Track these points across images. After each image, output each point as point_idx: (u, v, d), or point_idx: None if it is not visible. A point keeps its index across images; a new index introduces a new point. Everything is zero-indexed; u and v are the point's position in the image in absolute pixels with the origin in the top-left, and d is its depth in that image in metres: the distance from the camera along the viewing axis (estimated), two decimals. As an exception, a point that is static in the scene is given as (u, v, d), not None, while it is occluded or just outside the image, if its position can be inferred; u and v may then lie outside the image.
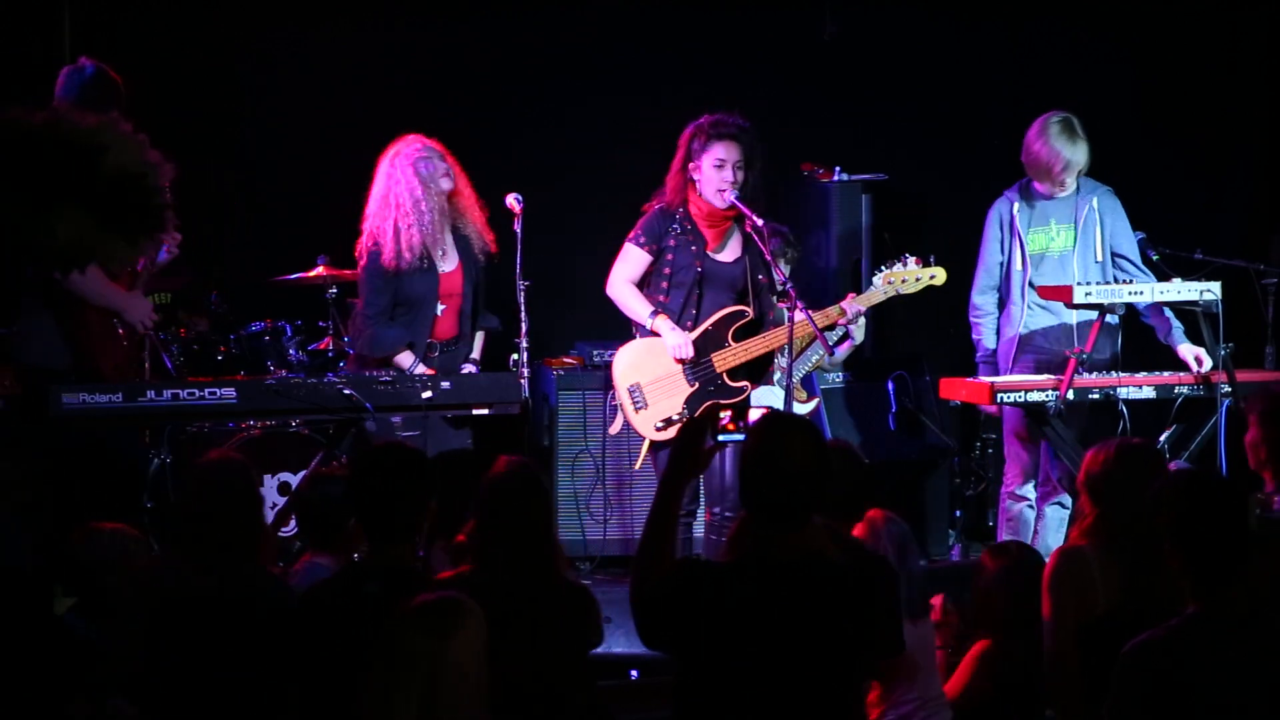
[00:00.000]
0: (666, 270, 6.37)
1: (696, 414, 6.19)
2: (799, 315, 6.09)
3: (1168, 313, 6.82)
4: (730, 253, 6.44)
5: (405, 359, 6.44)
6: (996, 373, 6.90)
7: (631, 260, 6.40)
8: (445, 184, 6.47)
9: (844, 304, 6.43)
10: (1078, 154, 6.75)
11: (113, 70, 6.10)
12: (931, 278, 6.51)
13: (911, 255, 6.54)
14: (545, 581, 4.24)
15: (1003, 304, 6.96)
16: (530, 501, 4.28)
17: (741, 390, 6.34)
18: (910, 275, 6.47)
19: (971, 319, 7.00)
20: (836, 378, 7.72)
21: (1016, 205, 6.88)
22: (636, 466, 6.58)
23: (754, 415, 4.04)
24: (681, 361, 6.28)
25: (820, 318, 6.33)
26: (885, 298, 6.51)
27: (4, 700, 4.05)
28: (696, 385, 6.31)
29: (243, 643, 4.32)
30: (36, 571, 5.00)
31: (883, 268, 6.55)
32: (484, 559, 4.22)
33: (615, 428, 6.56)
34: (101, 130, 3.72)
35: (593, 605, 4.34)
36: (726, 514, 6.31)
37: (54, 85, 6.15)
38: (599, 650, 4.49)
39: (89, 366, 6.01)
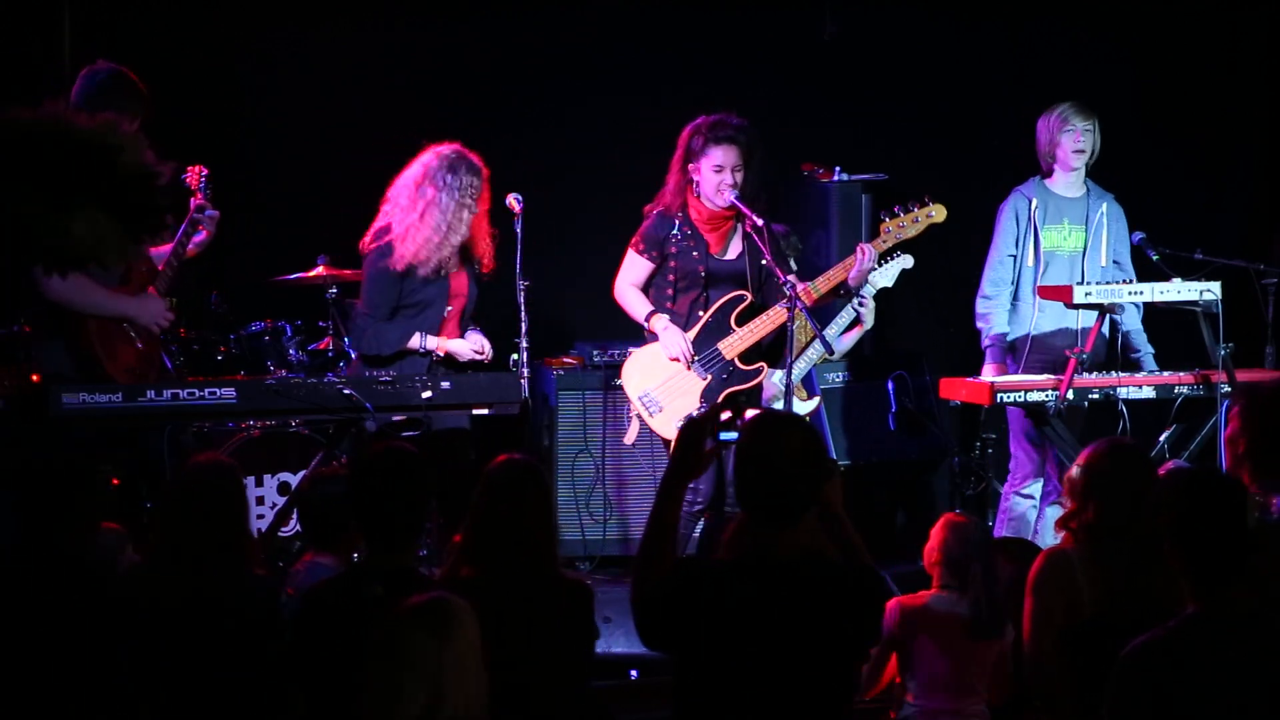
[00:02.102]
0: (671, 276, 6.38)
1: (697, 414, 6.21)
2: (799, 313, 6.10)
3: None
4: (733, 251, 6.45)
5: (414, 340, 6.38)
6: (1007, 358, 6.91)
7: (635, 267, 6.43)
8: (472, 210, 6.40)
9: (848, 260, 6.39)
10: (1091, 123, 6.88)
11: (132, 73, 6.10)
12: (930, 216, 6.46)
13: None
14: (541, 579, 4.21)
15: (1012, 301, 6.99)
16: (525, 498, 4.24)
17: (758, 371, 6.35)
18: (908, 219, 6.44)
19: (979, 310, 7.01)
20: (837, 377, 7.72)
21: (1035, 202, 6.90)
22: None
23: (750, 414, 4.04)
24: (679, 360, 6.28)
25: (822, 282, 6.33)
26: (885, 246, 6.45)
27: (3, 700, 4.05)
28: (709, 377, 6.31)
29: (232, 645, 4.30)
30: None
31: (882, 215, 6.50)
32: (479, 556, 4.20)
33: (630, 437, 6.57)
34: (109, 129, 3.74)
35: (589, 600, 4.31)
36: (697, 505, 6.31)
37: (55, 85, 6.14)
38: (599, 650, 4.48)
39: (96, 373, 5.98)
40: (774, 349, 6.51)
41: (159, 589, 4.39)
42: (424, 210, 6.29)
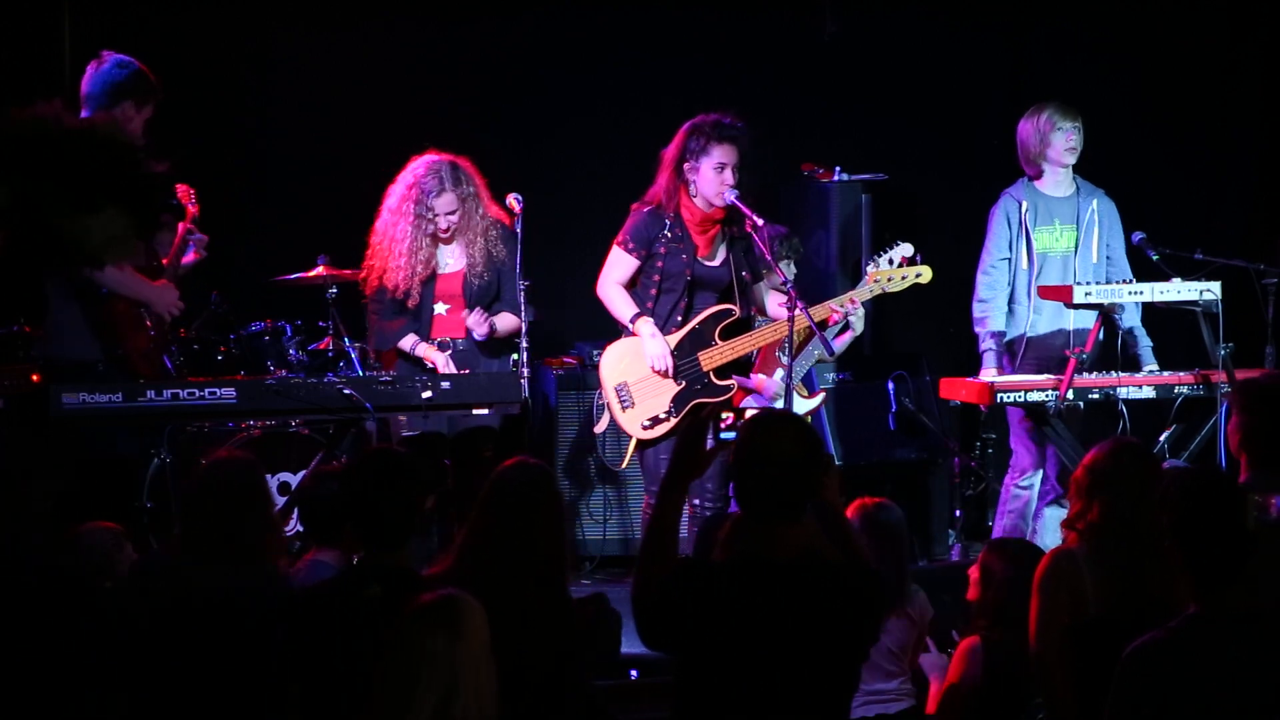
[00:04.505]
0: (656, 276, 6.33)
1: (687, 413, 6.20)
2: (799, 314, 6.08)
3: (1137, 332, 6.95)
4: (718, 258, 6.41)
5: (407, 341, 6.53)
6: (1004, 359, 6.91)
7: (620, 264, 6.36)
8: (442, 221, 6.47)
9: (831, 303, 6.42)
10: (1079, 122, 6.88)
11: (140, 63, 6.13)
12: (918, 276, 6.47)
13: (905, 242, 6.51)
14: (538, 592, 4.15)
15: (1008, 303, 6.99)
16: (535, 505, 4.19)
17: (728, 389, 6.33)
18: (896, 274, 6.46)
19: (976, 315, 7.00)
20: (837, 377, 7.72)
21: (1025, 204, 6.91)
22: (623, 465, 6.54)
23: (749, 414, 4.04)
24: (659, 372, 6.26)
25: (813, 312, 6.33)
26: (871, 296, 6.49)
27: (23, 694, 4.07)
28: (683, 384, 6.30)
29: (252, 640, 4.31)
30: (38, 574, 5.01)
31: (874, 259, 6.53)
32: (479, 560, 4.18)
33: (601, 426, 6.54)
34: (116, 129, 3.78)
35: (598, 618, 4.27)
36: (707, 506, 6.29)
37: (56, 85, 6.15)
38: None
39: (119, 356, 6.05)
40: (745, 367, 6.53)
41: (165, 585, 4.40)
42: (391, 238, 6.50)
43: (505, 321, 6.59)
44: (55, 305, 6.07)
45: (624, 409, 6.29)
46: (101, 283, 5.96)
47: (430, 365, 6.51)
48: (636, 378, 6.29)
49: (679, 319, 6.33)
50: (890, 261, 6.45)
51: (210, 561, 4.43)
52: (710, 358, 6.30)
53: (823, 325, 6.54)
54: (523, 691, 3.98)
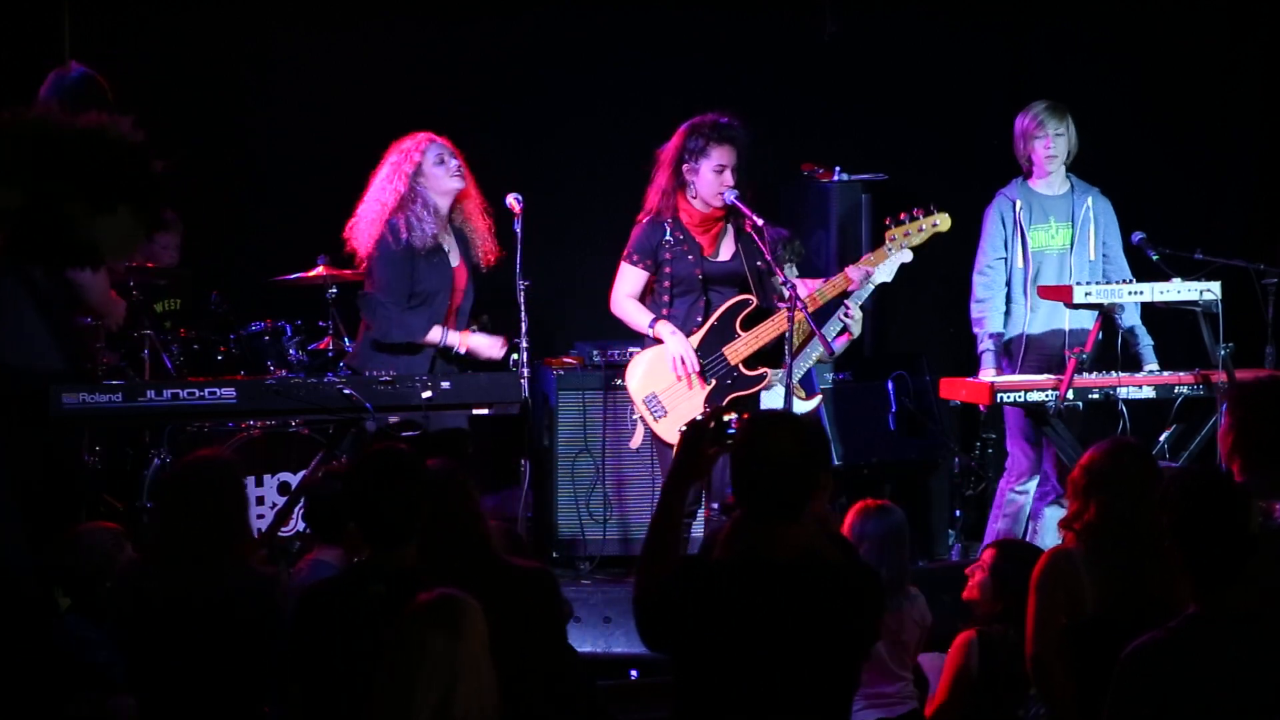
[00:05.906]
0: (667, 283, 6.33)
1: (701, 415, 6.19)
2: (799, 314, 6.08)
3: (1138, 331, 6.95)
4: (726, 252, 6.42)
5: (435, 334, 6.30)
6: (1004, 359, 6.91)
7: (630, 278, 6.37)
8: (454, 182, 6.35)
9: (848, 270, 6.36)
10: (1064, 127, 6.87)
11: (100, 75, 6.06)
12: (935, 225, 6.38)
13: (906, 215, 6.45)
14: (488, 569, 4.20)
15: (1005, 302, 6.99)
16: (445, 498, 4.25)
17: (761, 378, 6.30)
18: (914, 227, 6.37)
19: (974, 315, 7.00)
20: (837, 377, 7.71)
21: (1019, 203, 6.91)
22: None
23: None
24: (683, 373, 6.23)
25: (828, 288, 6.29)
26: (891, 255, 6.37)
27: (4, 700, 4.06)
28: (714, 382, 6.29)
29: (230, 641, 4.31)
30: (37, 573, 5.02)
31: (887, 222, 6.46)
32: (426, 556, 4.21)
33: (636, 441, 6.53)
34: (121, 129, 3.78)
35: (549, 583, 4.31)
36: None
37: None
38: (599, 650, 4.48)
39: (85, 366, 5.99)
40: (775, 354, 6.51)
41: (157, 585, 4.40)
42: (402, 190, 6.27)
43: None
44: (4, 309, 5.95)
45: (657, 419, 6.28)
46: (79, 282, 5.86)
47: (464, 352, 6.32)
48: (664, 385, 6.29)
49: (699, 319, 6.33)
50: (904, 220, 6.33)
51: (181, 563, 4.41)
52: (736, 350, 6.30)
53: (841, 299, 6.42)
54: (523, 691, 3.99)
